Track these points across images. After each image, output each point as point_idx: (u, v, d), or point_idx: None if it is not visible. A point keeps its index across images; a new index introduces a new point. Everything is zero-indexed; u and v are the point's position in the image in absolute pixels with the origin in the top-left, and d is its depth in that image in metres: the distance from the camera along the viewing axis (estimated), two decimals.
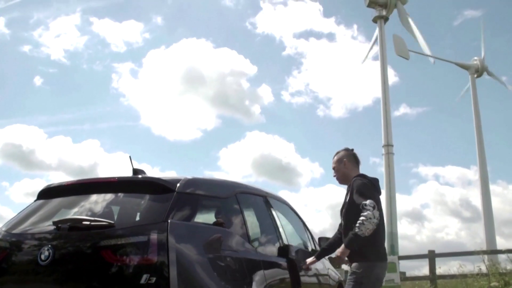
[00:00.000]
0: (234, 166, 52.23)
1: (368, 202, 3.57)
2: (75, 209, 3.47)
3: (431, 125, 54.81)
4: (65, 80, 56.08)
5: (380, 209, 3.64)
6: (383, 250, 3.84)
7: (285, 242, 4.23)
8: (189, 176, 3.54)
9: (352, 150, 4.06)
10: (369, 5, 26.40)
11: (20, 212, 3.66)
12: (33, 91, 52.98)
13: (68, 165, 48.55)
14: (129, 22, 60.48)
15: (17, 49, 51.99)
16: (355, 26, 60.80)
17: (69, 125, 54.40)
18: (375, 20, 26.73)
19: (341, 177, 4.01)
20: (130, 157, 3.74)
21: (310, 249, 4.90)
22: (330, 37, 59.62)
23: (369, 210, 3.53)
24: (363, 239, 3.53)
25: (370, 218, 3.49)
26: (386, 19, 26.58)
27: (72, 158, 48.86)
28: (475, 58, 32.11)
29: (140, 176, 3.58)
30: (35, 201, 3.74)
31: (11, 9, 48.50)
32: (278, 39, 59.63)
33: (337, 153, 4.07)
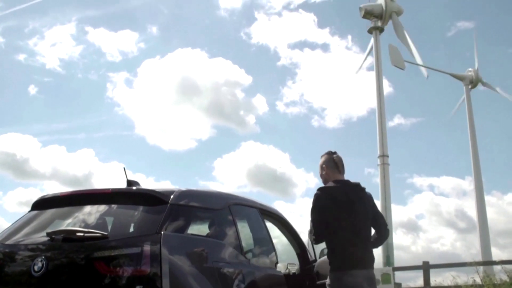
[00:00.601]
0: (229, 176, 52.17)
1: (309, 225, 3.73)
2: (69, 220, 3.48)
3: (425, 136, 55.06)
4: (60, 89, 56.04)
5: (337, 216, 3.61)
6: (354, 257, 3.62)
7: (278, 254, 4.25)
8: (183, 188, 3.57)
9: (333, 153, 3.92)
10: (364, 16, 26.66)
11: (14, 223, 3.67)
12: (27, 100, 52.92)
13: (63, 174, 48.33)
14: (124, 32, 60.78)
15: (12, 57, 52.02)
16: (349, 37, 61.31)
17: (63, 134, 54.32)
18: (370, 31, 26.97)
19: (324, 182, 3.92)
20: (124, 168, 3.76)
21: (303, 261, 4.89)
22: (325, 47, 59.90)
23: (308, 235, 3.73)
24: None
25: (308, 244, 3.67)
26: (381, 30, 26.81)
27: (67, 167, 48.64)
28: (470, 69, 32.35)
29: (134, 187, 3.60)
30: (29, 212, 3.74)
31: (7, 18, 48.61)
32: (272, 50, 60.01)
33: (321, 157, 3.99)
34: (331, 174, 3.82)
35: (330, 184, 3.76)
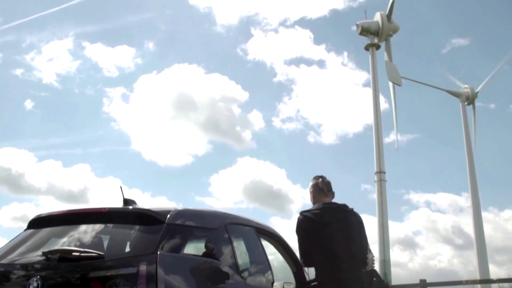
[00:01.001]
0: (225, 192, 51.97)
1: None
2: (65, 239, 3.48)
3: (421, 152, 55.12)
4: (56, 104, 56.16)
5: (316, 238, 3.79)
6: (333, 277, 3.78)
7: (275, 272, 4.24)
8: (179, 207, 3.58)
9: (320, 178, 4.08)
10: (361, 33, 26.90)
11: (10, 241, 3.66)
12: (24, 114, 52.87)
13: (58, 189, 48.13)
14: (121, 47, 60.85)
15: (9, 72, 52.12)
16: (345, 53, 61.65)
17: (59, 149, 54.22)
18: (367, 48, 27.19)
19: (312, 206, 4.10)
20: (121, 187, 3.78)
21: (300, 280, 4.88)
22: (321, 64, 60.40)
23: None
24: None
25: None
26: (377, 47, 27.02)
27: (62, 182, 48.40)
28: (466, 86, 32.56)
29: (130, 207, 3.61)
30: (24, 230, 3.74)
31: (5, 33, 48.80)
32: (269, 66, 60.29)
33: (311, 181, 4.13)
34: (318, 198, 3.99)
35: (313, 207, 3.92)
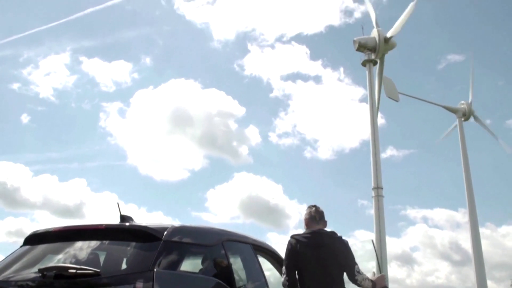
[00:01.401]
0: (221, 207, 51.70)
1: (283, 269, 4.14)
2: (62, 256, 3.46)
3: (417, 167, 55.17)
4: (53, 118, 55.87)
5: (302, 262, 4.03)
6: None
7: None
8: (176, 224, 3.57)
9: (313, 207, 4.37)
10: (358, 49, 27.01)
11: (5, 258, 3.64)
12: (20, 128, 52.66)
13: (54, 204, 47.69)
14: (118, 62, 60.67)
15: (6, 86, 51.94)
16: (341, 69, 61.78)
17: (56, 164, 53.70)
18: (364, 64, 27.29)
19: None
20: (118, 203, 3.77)
21: None
22: (317, 79, 60.38)
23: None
24: None
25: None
26: (374, 62, 27.15)
27: (58, 197, 48.01)
28: (462, 102, 32.72)
29: (127, 223, 3.60)
30: (21, 247, 3.72)
31: (2, 47, 48.88)
32: (265, 81, 60.18)
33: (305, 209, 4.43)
34: (310, 225, 4.26)
35: (304, 231, 4.22)
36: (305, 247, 4.07)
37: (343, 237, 4.21)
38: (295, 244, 4.10)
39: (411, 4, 26.43)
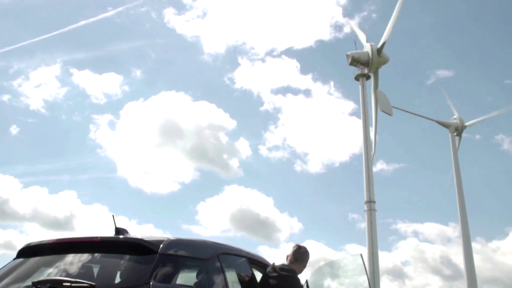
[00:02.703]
0: (212, 220, 51.52)
1: None
2: (55, 269, 3.41)
3: (408, 181, 55.39)
4: (43, 130, 55.79)
5: None
6: None
7: None
8: (172, 237, 3.55)
9: (295, 247, 4.68)
10: (351, 63, 27.20)
11: None
12: (9, 140, 52.43)
13: (43, 216, 47.26)
14: (109, 74, 61.25)
15: None
16: (331, 83, 62.43)
17: (45, 176, 53.48)
18: (357, 78, 27.47)
19: None
20: (113, 216, 3.74)
21: None
22: (307, 93, 61.07)
23: None
24: None
25: None
26: (368, 77, 27.33)
27: (48, 209, 47.61)
28: (455, 116, 32.97)
29: (122, 236, 3.57)
30: (14, 259, 3.68)
31: None
32: (256, 94, 60.90)
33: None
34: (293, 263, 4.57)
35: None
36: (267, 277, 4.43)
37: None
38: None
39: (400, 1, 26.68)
